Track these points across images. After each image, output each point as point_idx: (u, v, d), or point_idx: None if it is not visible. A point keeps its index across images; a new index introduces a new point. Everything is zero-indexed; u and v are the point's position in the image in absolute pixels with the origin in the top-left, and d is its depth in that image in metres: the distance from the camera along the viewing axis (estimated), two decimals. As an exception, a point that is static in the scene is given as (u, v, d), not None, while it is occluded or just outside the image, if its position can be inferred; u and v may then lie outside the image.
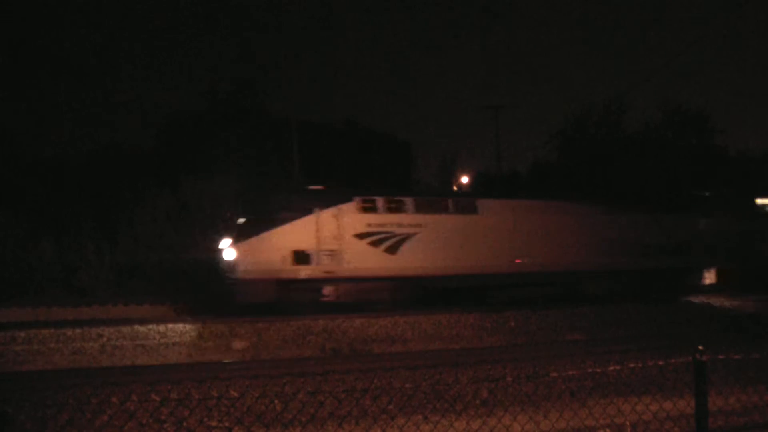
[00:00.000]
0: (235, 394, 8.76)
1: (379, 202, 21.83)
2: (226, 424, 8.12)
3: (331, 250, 20.87)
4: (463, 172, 52.31)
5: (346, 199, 21.43)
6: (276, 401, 8.73)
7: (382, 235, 21.56)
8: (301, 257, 20.60)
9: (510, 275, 22.90)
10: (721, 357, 5.85)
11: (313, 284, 20.91)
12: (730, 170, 43.23)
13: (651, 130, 47.85)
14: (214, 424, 8.18)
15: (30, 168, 36.53)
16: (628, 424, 7.57)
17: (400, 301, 21.34)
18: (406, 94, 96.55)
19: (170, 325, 18.09)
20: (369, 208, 21.66)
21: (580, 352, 14.58)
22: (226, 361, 15.46)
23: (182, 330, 17.78)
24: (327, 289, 21.09)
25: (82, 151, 44.02)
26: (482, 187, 47.83)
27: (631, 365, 6.42)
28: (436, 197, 23.90)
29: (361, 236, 21.28)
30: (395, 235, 21.67)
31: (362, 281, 21.23)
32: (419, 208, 22.18)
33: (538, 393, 9.56)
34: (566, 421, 7.37)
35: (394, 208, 21.96)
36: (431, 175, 56.92)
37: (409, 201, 22.19)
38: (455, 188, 46.10)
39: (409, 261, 21.59)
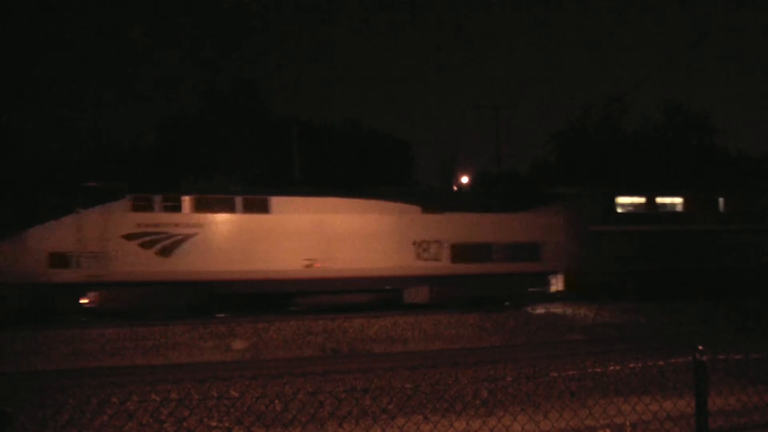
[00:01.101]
0: (235, 394, 8.77)
1: (155, 200, 20.28)
2: (226, 424, 8.12)
3: (96, 252, 19.30)
4: (464, 172, 52.27)
5: (116, 197, 19.96)
6: (276, 401, 8.72)
7: (156, 236, 20.01)
8: (58, 260, 19.01)
9: (310, 281, 21.17)
10: (721, 357, 5.84)
11: (77, 290, 19.41)
12: (730, 170, 43.22)
13: (651, 130, 47.90)
14: (214, 424, 8.18)
15: (30, 167, 36.55)
16: (628, 424, 7.56)
17: (178, 309, 20.00)
18: (406, 94, 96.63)
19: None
20: (142, 207, 20.14)
21: (580, 352, 14.58)
22: (227, 361, 15.46)
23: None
24: (91, 295, 19.68)
25: (81, 150, 44.06)
26: (481, 187, 47.83)
27: (631, 365, 6.41)
28: (220, 195, 21.56)
29: (131, 237, 19.81)
30: (170, 236, 20.08)
31: (134, 286, 19.70)
32: (199, 207, 20.61)
33: (538, 393, 9.55)
34: (566, 421, 7.37)
35: (171, 206, 20.39)
36: (432, 175, 56.95)
37: (187, 199, 20.59)
38: (455, 188, 46.08)
39: (186, 264, 20.07)
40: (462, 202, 24.56)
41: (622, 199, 26.75)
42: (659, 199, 27.11)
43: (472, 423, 7.11)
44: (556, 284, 24.47)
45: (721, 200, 27.91)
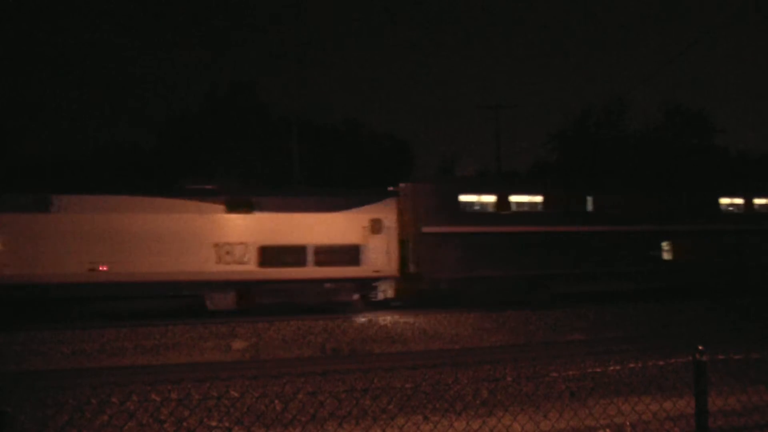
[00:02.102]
0: (235, 394, 8.74)
1: None
2: (226, 424, 8.12)
3: None
4: (463, 172, 52.18)
5: None
6: (276, 401, 8.73)
7: None
8: None
9: (96, 286, 19.61)
10: (721, 357, 5.84)
11: None
12: (730, 170, 43.22)
13: (651, 130, 47.91)
14: (214, 424, 8.18)
15: (30, 166, 36.57)
16: (628, 424, 7.56)
17: None
18: (406, 94, 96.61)
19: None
20: None
21: (580, 352, 14.59)
22: (227, 361, 15.47)
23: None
24: None
25: (81, 149, 44.10)
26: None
27: (631, 365, 6.41)
28: None
29: None
30: None
31: None
32: None
33: (538, 393, 9.55)
34: (566, 421, 7.37)
35: None
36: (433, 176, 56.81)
37: None
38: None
39: None
40: (290, 199, 22.04)
41: (466, 197, 23.77)
42: (514, 198, 24.22)
43: (472, 423, 7.11)
44: (386, 291, 22.13)
45: (589, 199, 25.10)
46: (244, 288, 20.77)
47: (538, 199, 24.61)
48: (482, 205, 24.07)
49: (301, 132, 37.89)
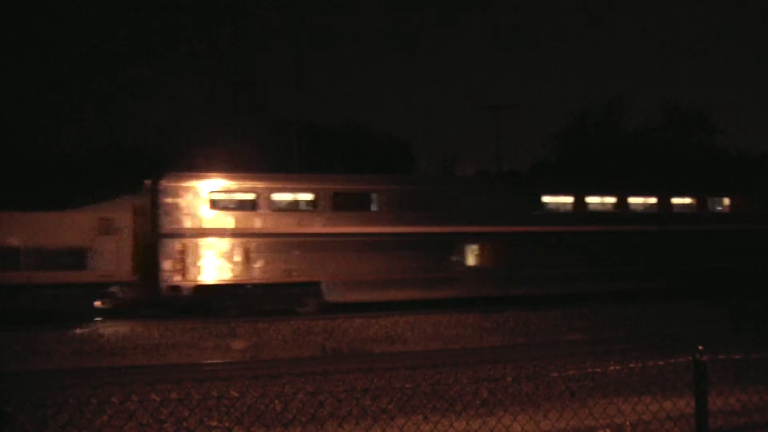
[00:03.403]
0: (235, 394, 8.76)
1: None
2: (226, 424, 8.12)
3: None
4: (463, 172, 52.22)
5: None
6: (276, 401, 8.73)
7: None
8: None
9: None
10: (721, 357, 5.84)
11: None
12: (730, 170, 43.21)
13: (651, 130, 47.90)
14: (214, 424, 8.18)
15: (30, 166, 36.57)
16: (627, 424, 7.56)
17: None
18: (406, 94, 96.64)
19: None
20: None
21: (580, 352, 14.59)
22: (227, 361, 15.48)
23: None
24: None
25: (82, 149, 44.12)
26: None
27: (631, 365, 6.42)
28: None
29: None
30: None
31: None
32: None
33: (538, 393, 9.55)
34: (566, 421, 7.37)
35: None
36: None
37: None
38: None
39: None
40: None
41: (220, 195, 20.89)
42: (277, 197, 21.38)
43: (472, 423, 7.11)
44: (117, 298, 20.24)
45: (374, 197, 22.18)
46: None
47: (309, 196, 21.68)
48: (242, 203, 21.24)
49: (301, 132, 37.90)
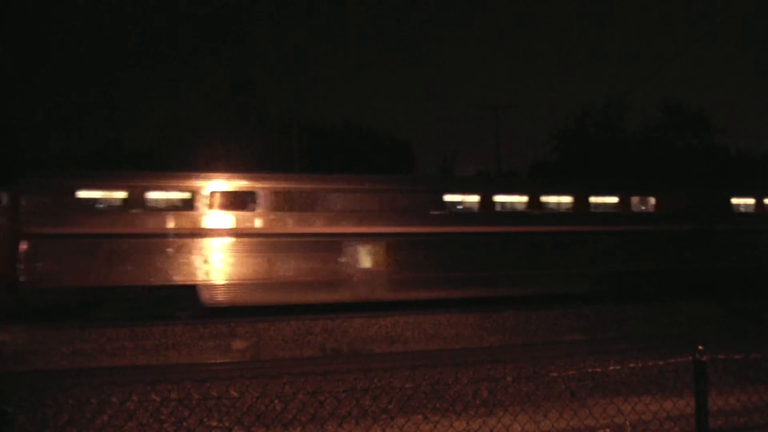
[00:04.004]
0: (235, 394, 8.77)
1: None
2: (226, 424, 8.12)
3: None
4: (463, 172, 52.23)
5: None
6: (276, 401, 8.72)
7: None
8: None
9: None
10: (721, 357, 5.85)
11: None
12: (731, 170, 43.21)
13: (651, 130, 47.92)
14: (214, 424, 8.18)
15: (30, 166, 36.53)
16: (628, 424, 7.56)
17: None
18: (407, 94, 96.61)
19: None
20: None
21: (580, 352, 14.58)
22: (226, 361, 15.46)
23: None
24: None
25: (82, 149, 44.13)
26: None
27: (631, 365, 6.41)
28: None
29: None
30: None
31: None
32: None
33: (538, 393, 9.55)
34: (566, 421, 7.37)
35: None
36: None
37: None
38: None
39: None
40: None
41: (86, 193, 19.86)
42: (150, 196, 20.22)
43: (472, 423, 7.11)
44: None
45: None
46: None
47: (185, 195, 20.50)
48: (110, 202, 20.28)
49: (300, 132, 37.92)
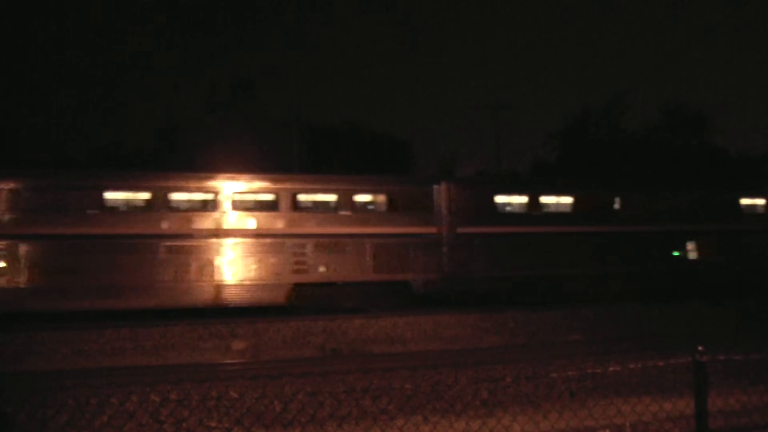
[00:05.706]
0: (235, 395, 8.76)
1: None
2: (226, 425, 8.12)
3: None
4: (464, 172, 52.24)
5: None
6: (276, 402, 8.72)
7: None
8: None
9: None
10: (721, 357, 5.84)
11: None
12: (730, 170, 43.19)
13: (651, 131, 47.92)
14: (213, 424, 8.18)
15: (30, 166, 36.55)
16: (627, 424, 7.56)
17: None
18: (406, 94, 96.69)
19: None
20: None
21: (580, 352, 14.57)
22: (226, 361, 15.46)
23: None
24: None
25: (82, 150, 44.16)
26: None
27: (631, 366, 6.42)
28: None
29: None
30: None
31: None
32: None
33: (538, 393, 9.55)
34: (566, 422, 7.37)
35: None
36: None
37: None
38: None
39: None
40: None
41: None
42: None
43: (471, 423, 7.11)
44: None
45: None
46: None
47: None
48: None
49: (301, 133, 37.92)
